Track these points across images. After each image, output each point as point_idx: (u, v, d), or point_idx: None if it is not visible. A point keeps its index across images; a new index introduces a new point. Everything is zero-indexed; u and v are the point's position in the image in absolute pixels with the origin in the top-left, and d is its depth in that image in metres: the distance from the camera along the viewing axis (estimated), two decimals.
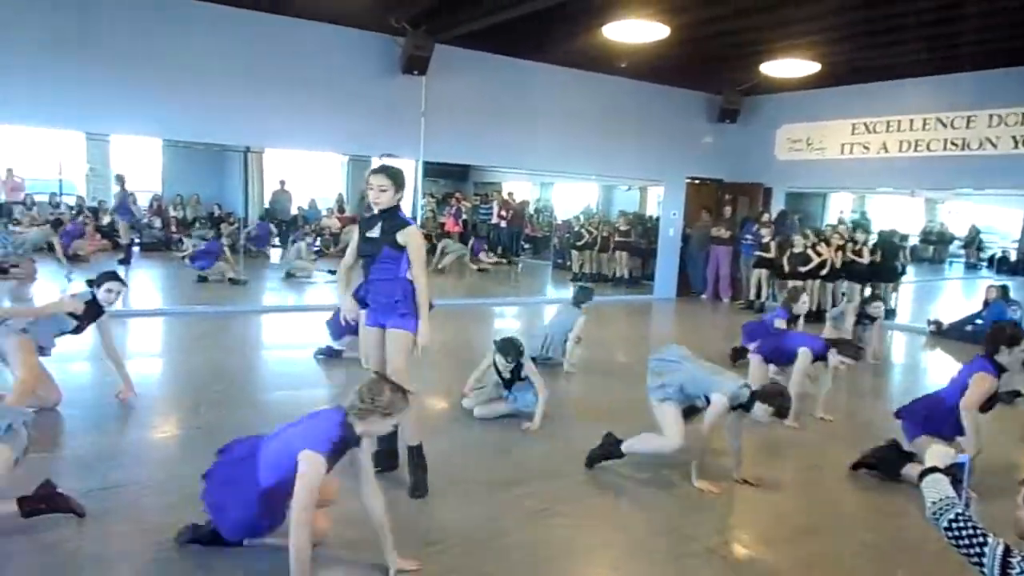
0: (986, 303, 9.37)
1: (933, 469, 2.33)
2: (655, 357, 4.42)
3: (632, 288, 12.98)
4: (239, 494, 2.87)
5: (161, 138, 10.26)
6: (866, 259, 10.46)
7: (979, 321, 9.33)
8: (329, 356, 6.55)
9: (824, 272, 10.38)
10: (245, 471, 2.88)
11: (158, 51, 7.98)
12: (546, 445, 4.78)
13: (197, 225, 13.32)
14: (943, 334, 9.53)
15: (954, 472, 2.32)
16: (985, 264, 19.25)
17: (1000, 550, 2.07)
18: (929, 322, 9.88)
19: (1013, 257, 18.21)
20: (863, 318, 7.63)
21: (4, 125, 8.66)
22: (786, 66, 9.34)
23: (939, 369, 8.02)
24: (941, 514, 2.19)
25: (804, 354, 5.57)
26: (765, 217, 11.52)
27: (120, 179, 12.41)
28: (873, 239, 11.30)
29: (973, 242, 19.80)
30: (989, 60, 8.93)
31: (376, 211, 3.73)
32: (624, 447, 4.19)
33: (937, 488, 2.26)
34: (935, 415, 4.30)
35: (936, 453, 2.40)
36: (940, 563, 3.23)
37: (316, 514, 2.79)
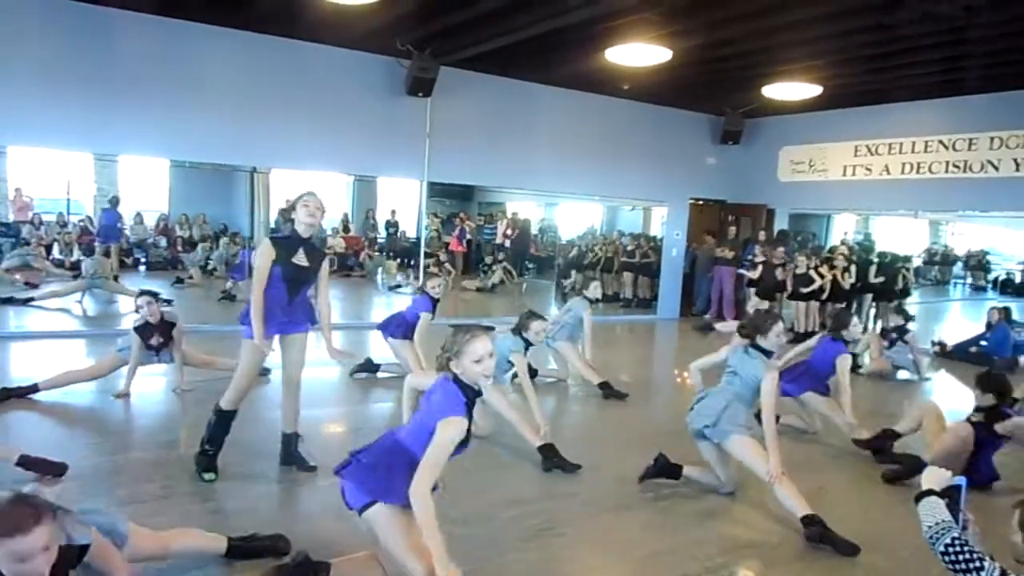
0: (989, 325, 9.36)
1: (929, 492, 2.33)
2: (694, 406, 4.33)
3: (636, 309, 12.98)
4: (400, 474, 2.69)
5: (168, 159, 10.35)
6: (846, 284, 10.54)
7: (983, 343, 9.33)
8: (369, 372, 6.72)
9: (824, 295, 10.43)
10: (397, 455, 2.75)
11: (166, 73, 8.10)
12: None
13: (200, 246, 13.39)
14: (947, 355, 9.51)
15: (951, 494, 2.32)
16: (990, 285, 19.18)
17: (996, 574, 2.07)
18: (933, 343, 9.86)
19: (1018, 279, 18.12)
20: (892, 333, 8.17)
21: (14, 146, 8.76)
22: (787, 89, 9.41)
23: (943, 389, 8.00)
24: (938, 538, 2.19)
25: (844, 359, 5.52)
26: (762, 236, 11.53)
27: (114, 200, 12.38)
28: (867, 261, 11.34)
29: (980, 264, 19.73)
30: (990, 83, 8.99)
31: (303, 235, 4.02)
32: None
33: (933, 512, 2.26)
34: None
35: (932, 475, 2.39)
36: None
37: None
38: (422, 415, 2.80)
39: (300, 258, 4.00)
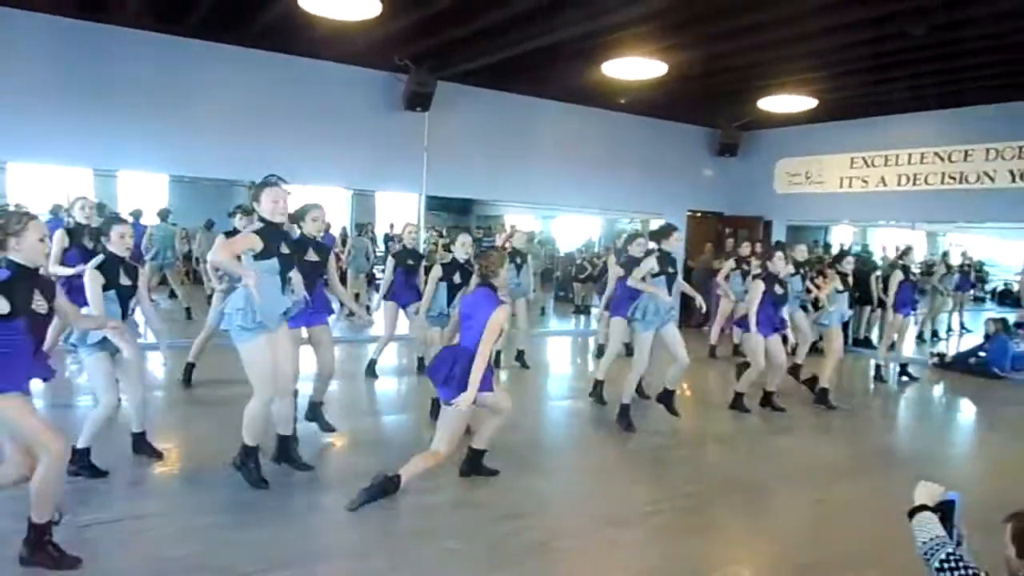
0: (987, 336, 9.37)
1: (922, 507, 2.31)
2: None
3: None
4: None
5: (168, 174, 10.36)
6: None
7: (982, 354, 9.32)
8: None
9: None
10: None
11: (165, 89, 8.14)
12: (545, 477, 4.77)
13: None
14: (946, 366, 9.51)
15: (944, 509, 2.30)
16: (988, 296, 19.18)
17: None
18: (932, 354, 9.86)
19: (1015, 289, 18.13)
20: None
21: (14, 162, 8.80)
22: (783, 102, 9.46)
23: (943, 400, 7.99)
24: (932, 554, 2.17)
25: None
26: (745, 249, 11.42)
27: (136, 213, 12.17)
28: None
29: (979, 275, 19.74)
30: (986, 95, 9.05)
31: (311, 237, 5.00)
32: None
33: (927, 527, 2.24)
34: None
35: (925, 490, 2.38)
36: None
37: None
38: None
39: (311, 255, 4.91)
